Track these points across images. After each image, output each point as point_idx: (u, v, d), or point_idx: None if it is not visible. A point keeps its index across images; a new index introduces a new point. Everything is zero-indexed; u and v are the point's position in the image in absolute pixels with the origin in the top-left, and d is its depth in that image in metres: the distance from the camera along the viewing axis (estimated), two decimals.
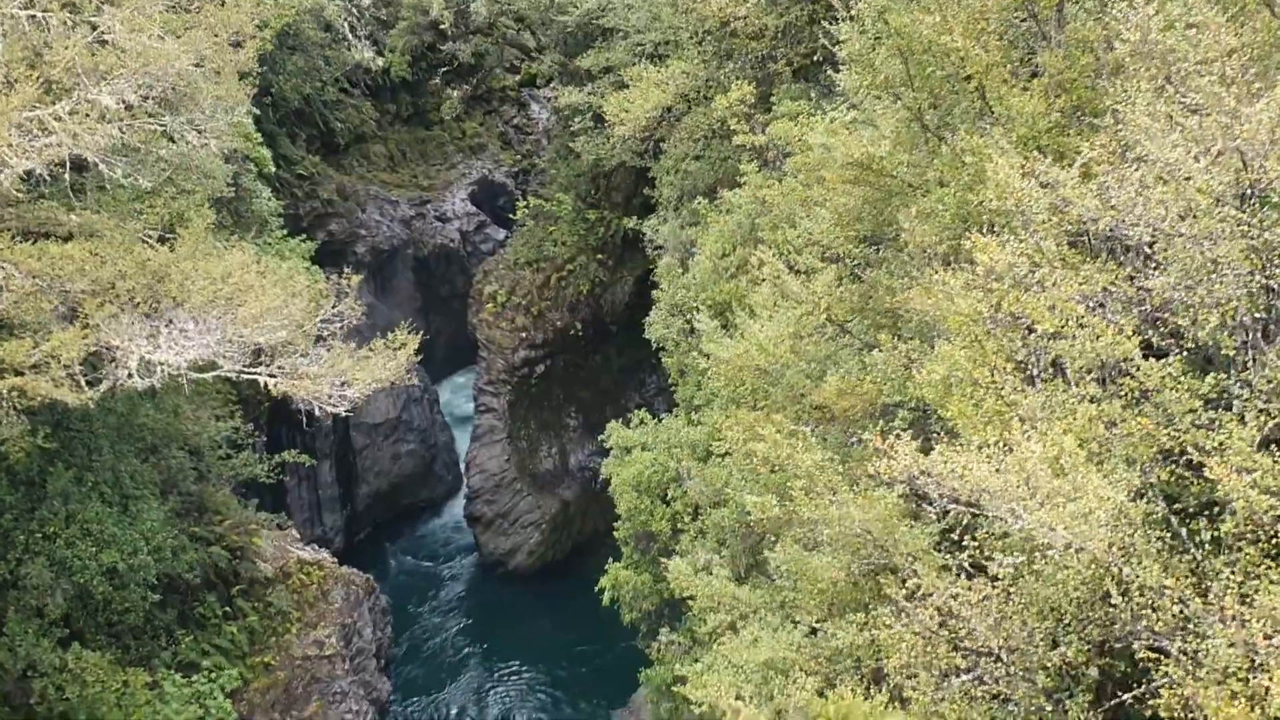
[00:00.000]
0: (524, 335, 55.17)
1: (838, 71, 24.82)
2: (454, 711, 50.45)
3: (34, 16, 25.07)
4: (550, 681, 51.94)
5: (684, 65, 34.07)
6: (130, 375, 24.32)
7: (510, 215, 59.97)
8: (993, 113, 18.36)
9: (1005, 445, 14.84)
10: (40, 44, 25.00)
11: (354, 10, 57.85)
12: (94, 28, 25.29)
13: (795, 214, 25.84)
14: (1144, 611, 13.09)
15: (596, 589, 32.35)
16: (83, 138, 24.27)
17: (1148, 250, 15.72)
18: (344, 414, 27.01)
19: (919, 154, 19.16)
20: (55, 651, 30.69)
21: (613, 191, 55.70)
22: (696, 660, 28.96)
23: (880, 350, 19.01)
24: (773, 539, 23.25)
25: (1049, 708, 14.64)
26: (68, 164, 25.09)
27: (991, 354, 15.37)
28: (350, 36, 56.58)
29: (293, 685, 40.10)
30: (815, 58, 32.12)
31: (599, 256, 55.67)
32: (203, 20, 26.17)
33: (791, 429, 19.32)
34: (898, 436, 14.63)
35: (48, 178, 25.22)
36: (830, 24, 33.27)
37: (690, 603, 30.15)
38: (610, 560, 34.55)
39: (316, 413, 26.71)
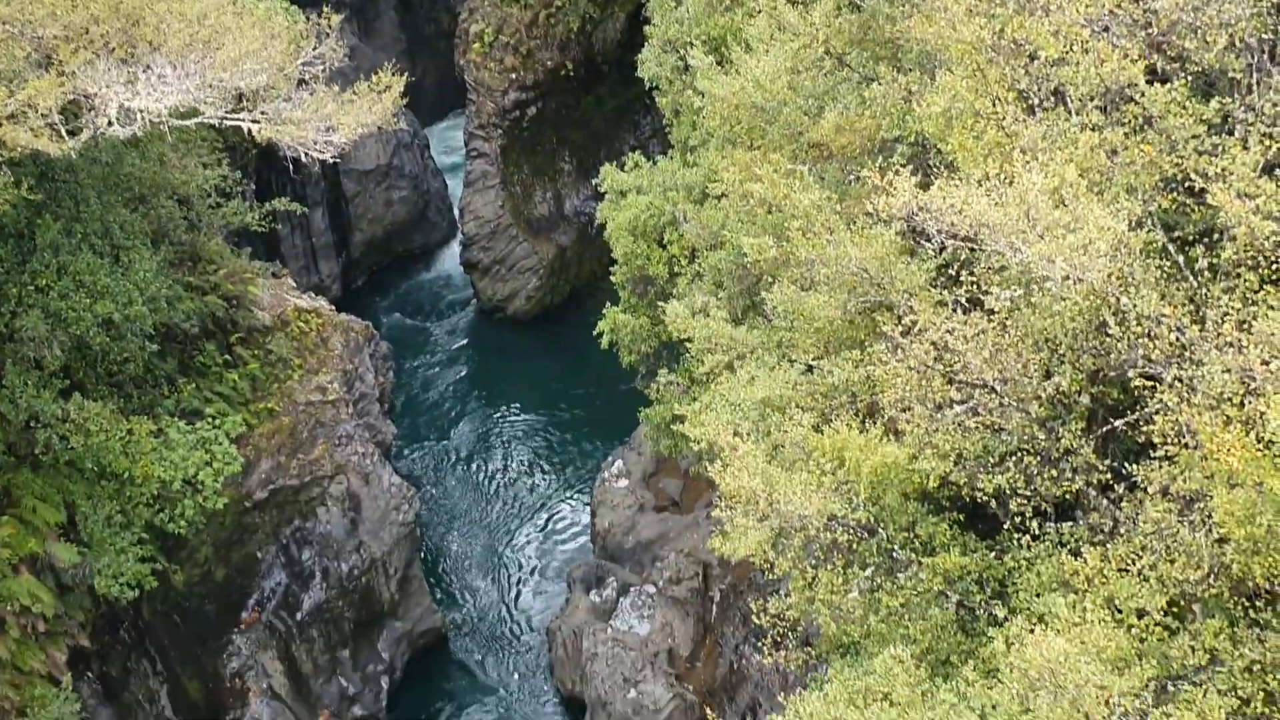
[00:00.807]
0: (514, 76, 53.93)
1: None
2: (457, 454, 51.50)
3: None
4: (551, 423, 52.86)
5: None
6: (110, 123, 23.78)
7: None
8: None
9: (1005, 178, 14.59)
10: None
11: None
12: None
13: None
14: (1141, 340, 13.06)
15: (595, 332, 32.51)
16: None
17: None
18: (331, 160, 26.57)
19: None
20: (56, 403, 30.98)
21: None
22: (694, 400, 29.34)
23: (880, 83, 18.49)
24: (770, 280, 23.18)
25: (1041, 436, 14.79)
26: None
27: (994, 83, 14.93)
28: None
29: (298, 430, 40.70)
30: None
31: None
32: None
33: (789, 168, 18.98)
34: (896, 172, 14.34)
35: None
36: None
37: (688, 344, 30.36)
38: (608, 304, 34.63)
39: (303, 159, 26.26)
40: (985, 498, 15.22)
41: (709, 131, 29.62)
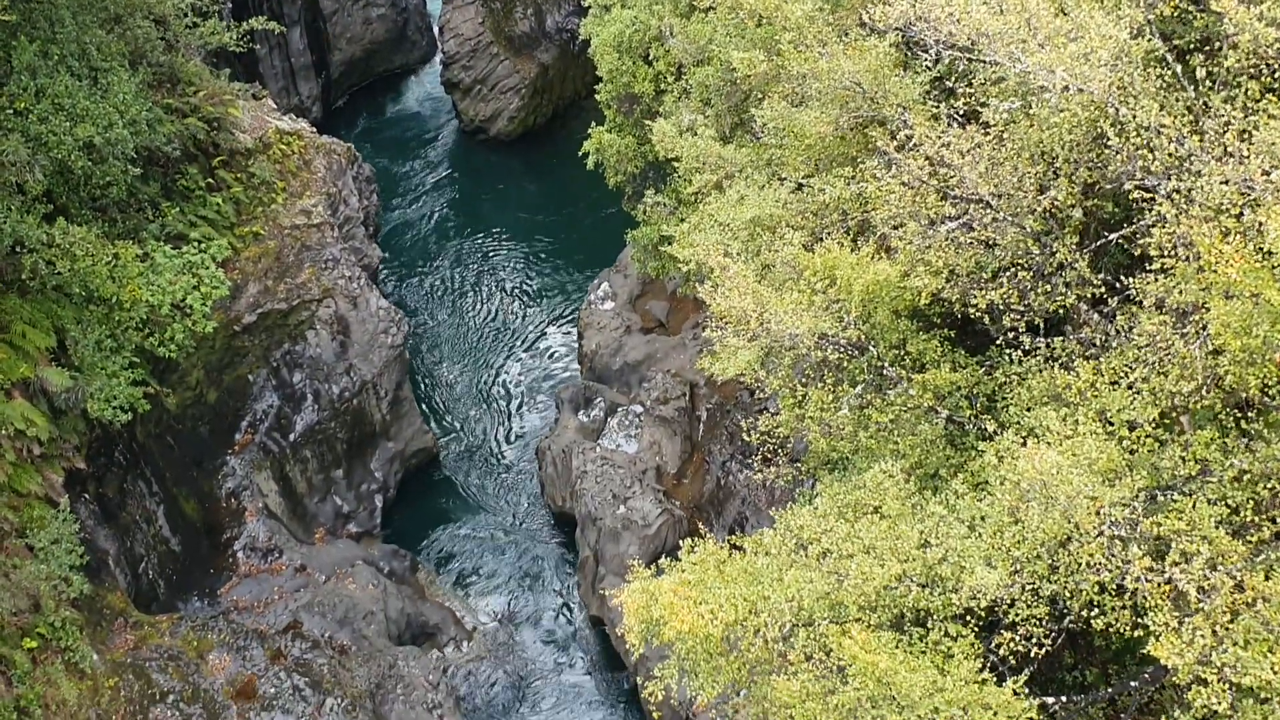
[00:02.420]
0: None
1: None
2: (443, 279, 51.43)
3: None
4: (537, 247, 52.73)
5: None
6: None
7: None
8: None
9: None
10: None
11: None
12: None
13: None
14: (1140, 152, 12.98)
15: (580, 153, 32.12)
16: None
17: None
18: None
19: None
20: (41, 227, 30.71)
21: None
22: (682, 220, 29.22)
23: None
24: (760, 97, 22.89)
25: (1035, 250, 14.80)
26: None
27: None
28: None
29: (284, 253, 40.54)
30: None
31: None
32: None
33: None
34: None
35: None
36: None
37: (675, 164, 30.12)
38: (593, 124, 34.16)
39: None
40: (978, 314, 15.30)
41: None
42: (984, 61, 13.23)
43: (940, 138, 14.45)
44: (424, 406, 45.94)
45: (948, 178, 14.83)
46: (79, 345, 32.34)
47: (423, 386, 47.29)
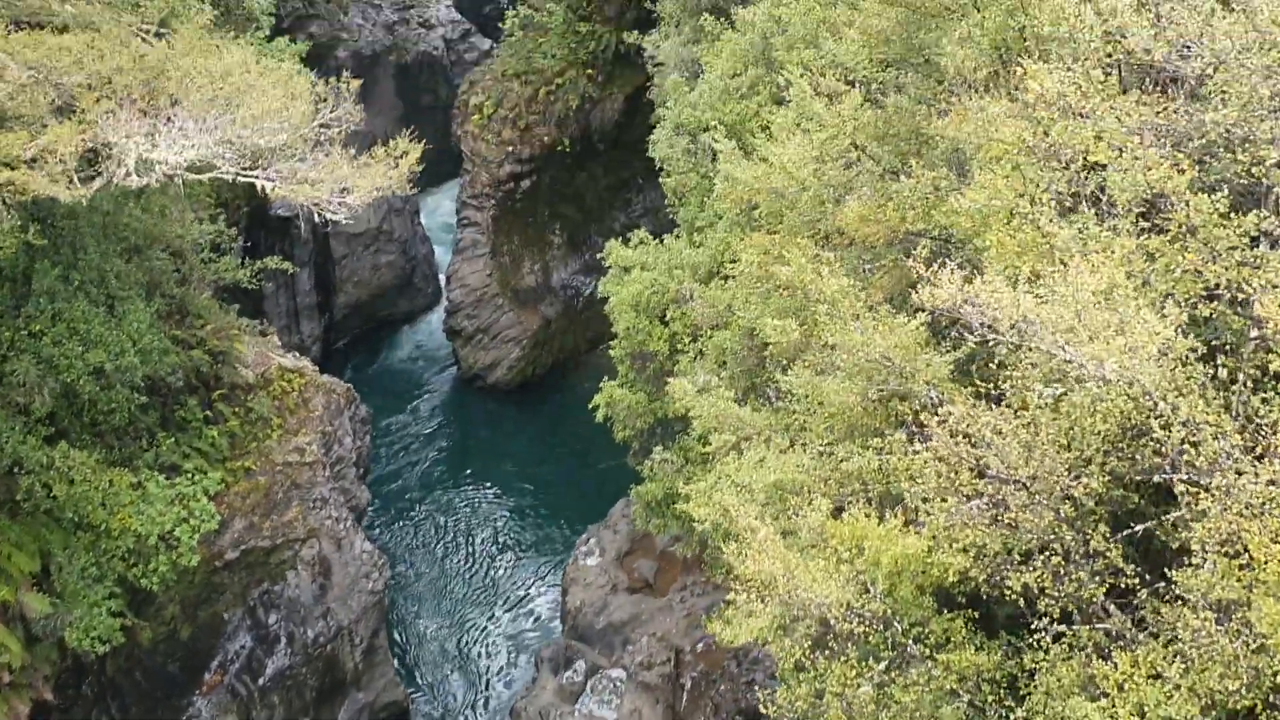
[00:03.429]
0: (510, 149, 54.34)
1: None
2: (429, 523, 51.06)
3: None
4: (527, 497, 52.56)
5: None
6: (129, 173, 23.70)
7: (498, 24, 58.54)
8: None
9: (1047, 276, 14.75)
10: None
11: None
12: None
13: (817, 35, 25.24)
14: (1185, 446, 13.15)
15: (590, 406, 32.39)
16: None
17: (1195, 84, 15.42)
18: (345, 220, 26.54)
19: None
20: (42, 449, 30.56)
21: (605, 4, 54.40)
22: (690, 479, 29.24)
23: (908, 176, 18.72)
24: (779, 363, 23.25)
25: (1069, 536, 14.81)
26: None
27: (1031, 184, 15.13)
28: None
29: (273, 490, 40.26)
30: None
31: (589, 71, 54.60)
32: None
33: (815, 254, 19.13)
34: (942, 264, 14.46)
35: None
36: None
37: (685, 422, 30.34)
38: (605, 378, 34.40)
39: (316, 219, 26.21)
40: (1014, 595, 15.18)
41: (718, 213, 29.90)
42: (1028, 348, 13.51)
43: (983, 416, 14.62)
44: (398, 657, 44.89)
45: (982, 456, 14.95)
46: (63, 571, 31.76)
47: (399, 636, 46.32)
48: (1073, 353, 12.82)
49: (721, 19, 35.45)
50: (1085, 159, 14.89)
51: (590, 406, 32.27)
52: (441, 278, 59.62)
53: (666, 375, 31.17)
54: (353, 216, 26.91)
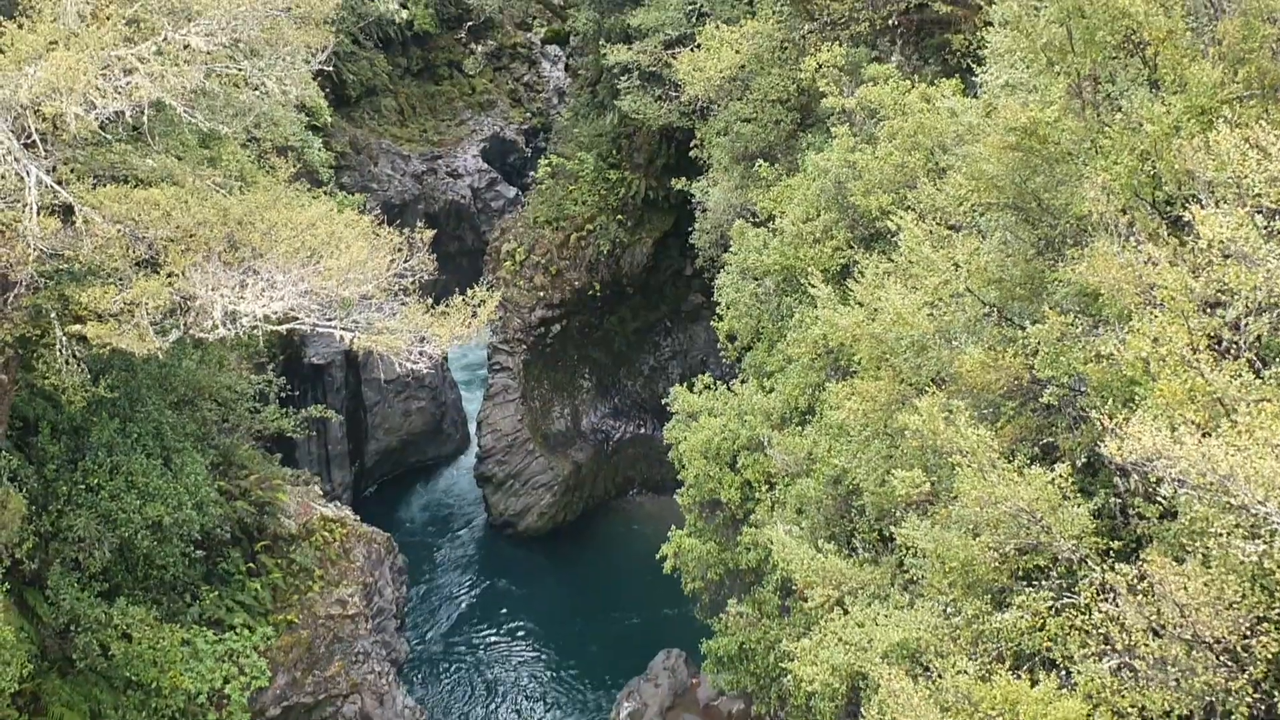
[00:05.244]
0: (542, 295, 54.38)
1: (927, 39, 24.15)
2: (462, 677, 49.76)
3: None
4: (560, 650, 51.30)
5: (758, 25, 33.27)
6: (215, 325, 23.38)
7: (530, 173, 59.13)
8: (1161, 84, 17.79)
9: (1200, 428, 14.37)
10: None
11: None
12: None
13: (896, 180, 25.26)
14: None
15: (658, 556, 31.59)
16: (167, 80, 23.21)
17: None
18: (424, 370, 26.22)
19: (1078, 121, 18.56)
20: (99, 606, 29.79)
21: (635, 152, 54.94)
22: (765, 632, 28.50)
23: (1038, 323, 18.42)
24: (884, 513, 22.74)
25: (1253, 697, 14.19)
26: (147, 107, 24.00)
27: (1194, 332, 14.83)
28: None
29: (315, 644, 39.36)
30: (891, 20, 31.46)
31: (619, 217, 54.92)
32: None
33: (945, 402, 18.73)
34: (1126, 418, 14.06)
35: (126, 120, 24.13)
36: None
37: (757, 574, 29.64)
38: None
39: (398, 369, 25.85)
40: None
41: (789, 357, 29.61)
42: (1228, 504, 13.01)
43: (1171, 572, 14.07)
44: None
45: (1159, 614, 14.39)
46: None
47: None
48: (1274, 508, 12.37)
49: (774, 164, 35.67)
50: (1248, 305, 14.62)
51: (658, 557, 31.49)
52: (471, 424, 59.17)
53: (737, 524, 30.60)
54: (431, 366, 26.65)
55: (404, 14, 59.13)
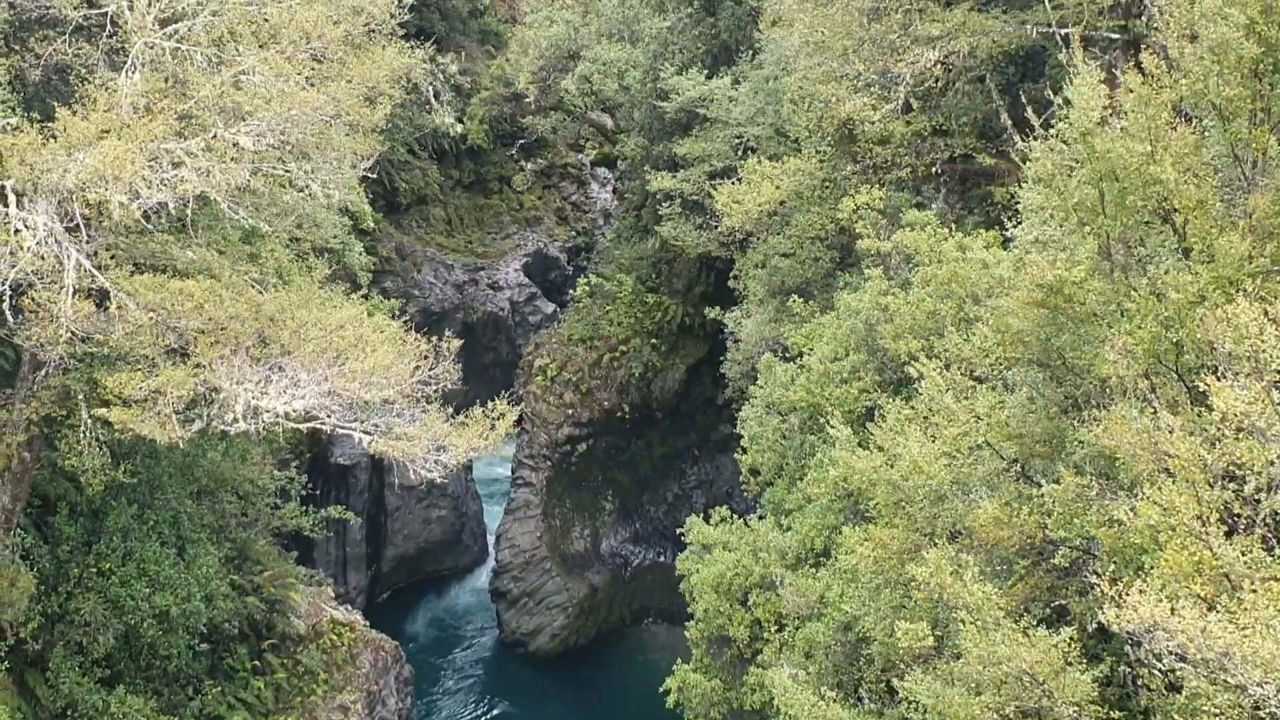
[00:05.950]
0: (570, 412, 54.45)
1: (972, 189, 24.29)
2: None
3: (179, 48, 24.59)
4: None
5: (800, 163, 33.69)
6: (235, 419, 23.54)
7: (570, 290, 59.62)
8: (1190, 252, 17.82)
9: (1205, 601, 14.12)
10: (181, 76, 24.50)
11: (439, 75, 57.93)
12: (236, 68, 24.79)
13: (926, 326, 25.29)
14: None
15: (661, 690, 31.04)
16: (214, 175, 23.70)
17: None
18: (439, 479, 26.25)
19: (1105, 282, 18.61)
20: (99, 692, 29.58)
21: (674, 278, 55.36)
22: None
23: (1056, 482, 18.24)
24: (890, 664, 22.36)
25: None
26: (191, 200, 24.48)
27: (1205, 504, 14.64)
28: (434, 101, 56.60)
29: None
30: (935, 169, 31.79)
31: (653, 341, 55.13)
32: (344, 73, 25.70)
33: (954, 555, 18.51)
34: (1126, 586, 13.85)
35: (170, 212, 24.63)
36: (950, 136, 33.04)
37: (762, 716, 29.08)
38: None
39: (413, 475, 25.89)
40: None
41: (807, 497, 29.36)
42: (1225, 684, 12.75)
43: None
44: None
45: None
46: None
47: None
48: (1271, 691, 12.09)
49: (809, 301, 35.78)
50: (1262, 480, 14.44)
51: (661, 690, 30.95)
52: (490, 536, 58.90)
53: (745, 662, 30.11)
54: (446, 476, 26.67)
55: (459, 128, 60.35)
